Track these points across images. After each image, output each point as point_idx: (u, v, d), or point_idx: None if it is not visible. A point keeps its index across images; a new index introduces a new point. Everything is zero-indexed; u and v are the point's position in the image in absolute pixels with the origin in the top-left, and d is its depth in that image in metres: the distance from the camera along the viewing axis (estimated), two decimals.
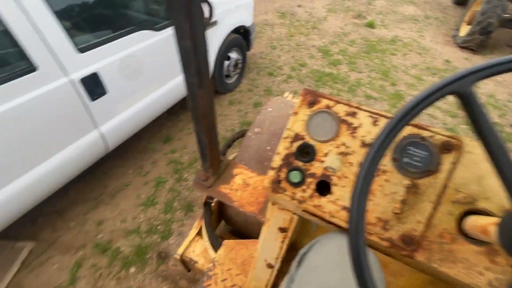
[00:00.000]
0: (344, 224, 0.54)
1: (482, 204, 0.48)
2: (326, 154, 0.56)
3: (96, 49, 1.44)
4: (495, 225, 0.36)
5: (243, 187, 1.11)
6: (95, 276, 1.58)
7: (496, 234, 0.35)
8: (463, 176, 0.50)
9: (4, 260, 1.62)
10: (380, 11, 5.15)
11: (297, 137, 0.59)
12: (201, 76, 0.80)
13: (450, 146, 0.50)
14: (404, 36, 4.29)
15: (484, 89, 3.22)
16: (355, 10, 5.10)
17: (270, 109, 1.36)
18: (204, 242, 1.12)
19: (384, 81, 3.27)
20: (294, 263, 0.59)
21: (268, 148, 1.23)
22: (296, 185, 0.57)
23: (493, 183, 0.49)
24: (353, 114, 0.56)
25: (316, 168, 0.56)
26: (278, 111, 1.34)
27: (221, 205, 1.29)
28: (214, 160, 1.06)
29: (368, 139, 0.55)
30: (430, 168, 0.50)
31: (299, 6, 5.12)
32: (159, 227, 1.81)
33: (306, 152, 0.58)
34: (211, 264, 0.99)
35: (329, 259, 0.51)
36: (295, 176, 0.57)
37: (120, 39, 1.55)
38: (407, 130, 0.53)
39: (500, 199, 0.47)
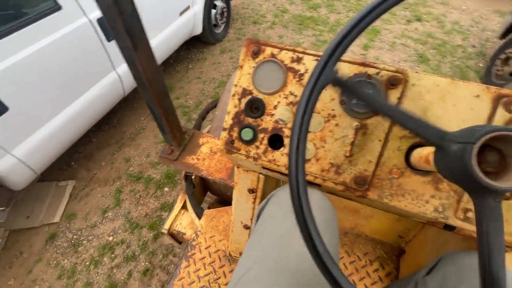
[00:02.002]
0: None
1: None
2: (275, 107, 0.54)
3: None
4: (432, 153, 0.37)
5: (210, 155, 1.10)
6: (136, 197, 1.88)
7: (432, 162, 0.36)
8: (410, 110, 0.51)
9: (54, 196, 1.88)
10: None
11: (244, 92, 0.56)
12: (133, 37, 0.70)
13: (395, 81, 0.49)
14: None
15: (450, 18, 3.52)
16: None
17: None
18: (190, 214, 1.13)
19: None
20: (254, 218, 0.59)
21: None
22: (249, 142, 0.56)
23: (438, 113, 0.48)
24: (298, 60, 0.53)
25: (267, 122, 0.55)
26: None
27: (202, 177, 1.27)
28: (175, 132, 1.05)
29: None
30: None
31: None
32: None
33: (255, 108, 0.56)
34: (194, 234, 1.02)
35: (281, 209, 0.53)
36: (247, 134, 0.55)
37: None
38: (353, 69, 0.51)
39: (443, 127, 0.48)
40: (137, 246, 1.64)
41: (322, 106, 0.52)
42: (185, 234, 1.11)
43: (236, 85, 0.57)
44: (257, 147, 0.55)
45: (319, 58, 0.49)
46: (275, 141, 0.55)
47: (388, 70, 0.49)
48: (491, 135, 0.27)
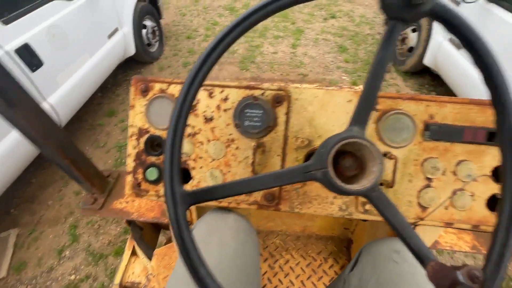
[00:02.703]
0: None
1: (317, 143, 0.52)
2: None
3: (19, 20, 1.51)
4: None
5: None
6: (95, 228, 1.78)
7: None
8: (297, 123, 0.53)
9: None
10: None
11: (141, 131, 0.55)
12: (5, 94, 0.66)
13: (280, 99, 0.52)
14: None
15: (357, 12, 4.11)
16: None
17: None
18: (141, 259, 1.04)
19: (286, 22, 3.87)
20: None
21: None
22: (156, 182, 0.54)
23: (322, 121, 0.52)
24: None
25: None
26: None
27: None
28: (93, 180, 0.97)
29: (209, 112, 0.54)
30: (269, 124, 0.52)
31: None
32: None
33: (156, 145, 0.55)
34: (145, 280, 0.93)
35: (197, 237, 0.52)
36: (152, 173, 0.54)
37: (36, 11, 1.62)
38: (240, 93, 0.53)
39: (328, 133, 0.51)
40: (105, 276, 1.56)
41: (219, 132, 0.54)
42: (140, 283, 1.01)
43: (131, 126, 0.56)
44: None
45: (208, 87, 0.54)
46: (183, 176, 0.55)
47: (271, 89, 0.53)
48: (332, 154, 0.31)
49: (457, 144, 0.51)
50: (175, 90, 0.54)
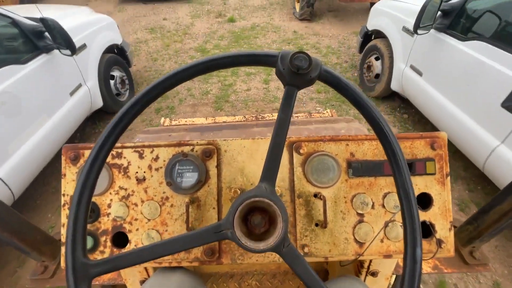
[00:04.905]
0: (152, 265, 0.57)
1: None
2: (109, 205, 0.54)
3: None
4: None
5: None
6: None
7: None
8: (229, 174, 0.54)
9: None
10: (235, 7, 5.99)
11: None
12: None
13: (209, 153, 0.53)
14: (259, 22, 5.19)
15: (323, 44, 4.33)
16: (215, 11, 5.77)
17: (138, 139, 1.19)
18: None
19: None
20: None
21: None
22: (92, 250, 0.53)
23: (252, 169, 0.53)
24: (119, 156, 0.54)
25: (105, 223, 0.53)
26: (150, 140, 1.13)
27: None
28: (41, 247, 0.87)
29: (141, 173, 0.54)
30: (200, 179, 0.52)
31: (164, 19, 5.42)
32: None
33: (91, 211, 0.54)
34: None
35: None
36: (87, 243, 0.52)
37: None
38: (170, 151, 0.53)
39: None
40: None
41: (153, 192, 0.54)
42: None
43: (63, 195, 0.55)
44: (102, 252, 0.53)
45: (138, 149, 0.55)
46: (119, 240, 0.54)
47: (200, 144, 0.54)
48: (237, 214, 0.33)
49: (380, 177, 0.54)
50: None
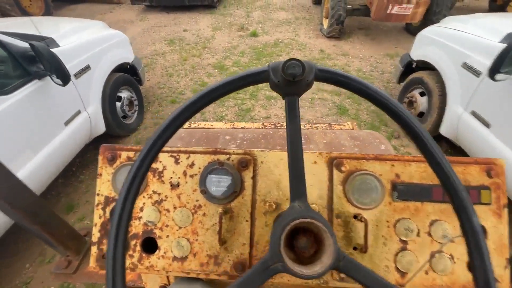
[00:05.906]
0: (179, 274, 0.54)
1: (286, 206, 0.51)
2: (141, 209, 0.53)
3: None
4: None
5: None
6: None
7: None
8: (265, 186, 0.52)
9: None
10: (259, 21, 5.71)
11: (108, 200, 0.54)
12: None
13: (245, 163, 0.52)
14: (283, 38, 4.87)
15: (353, 66, 3.92)
16: (237, 24, 5.52)
17: None
18: None
19: None
20: None
21: None
22: None
23: (288, 183, 0.52)
24: (155, 159, 0.54)
25: (136, 227, 0.53)
26: None
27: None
28: (67, 242, 0.90)
29: (175, 179, 0.54)
30: (235, 189, 0.51)
31: (185, 30, 5.23)
32: None
33: None
34: None
35: None
36: None
37: None
38: (206, 159, 0.53)
39: None
40: None
41: (186, 199, 0.53)
42: None
43: (98, 195, 0.56)
44: (131, 256, 0.53)
45: (174, 154, 0.55)
46: (148, 245, 0.53)
47: (237, 154, 0.53)
48: (282, 245, 0.30)
49: (427, 203, 0.50)
50: None
